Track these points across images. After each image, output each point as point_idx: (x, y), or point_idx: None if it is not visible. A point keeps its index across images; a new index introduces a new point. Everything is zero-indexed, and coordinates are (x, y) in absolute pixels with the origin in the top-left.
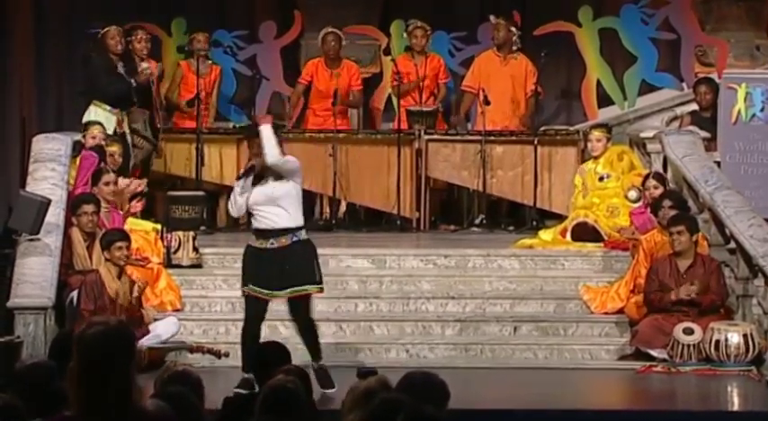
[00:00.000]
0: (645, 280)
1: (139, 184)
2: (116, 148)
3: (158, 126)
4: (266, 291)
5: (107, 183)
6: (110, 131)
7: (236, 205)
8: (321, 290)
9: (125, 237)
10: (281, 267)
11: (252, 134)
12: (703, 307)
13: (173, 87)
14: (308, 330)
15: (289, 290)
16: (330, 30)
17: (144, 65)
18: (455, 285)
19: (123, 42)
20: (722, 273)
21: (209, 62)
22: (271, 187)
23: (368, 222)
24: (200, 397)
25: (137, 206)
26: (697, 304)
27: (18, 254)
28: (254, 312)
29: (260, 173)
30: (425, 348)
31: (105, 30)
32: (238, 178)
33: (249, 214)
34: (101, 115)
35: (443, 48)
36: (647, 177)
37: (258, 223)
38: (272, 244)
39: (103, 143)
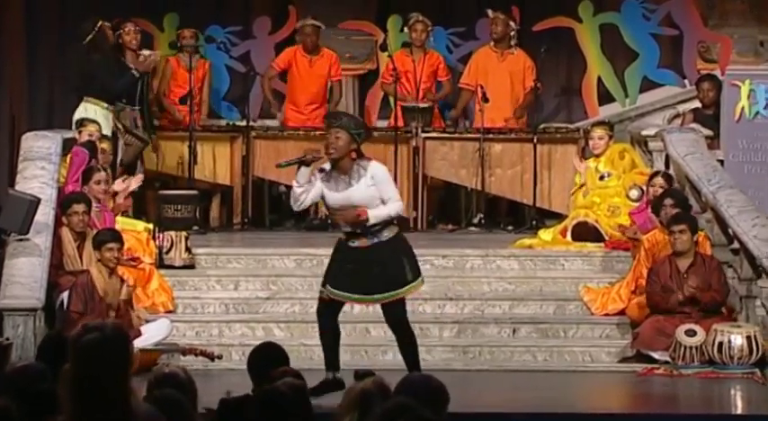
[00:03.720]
0: (646, 282)
1: (138, 180)
2: (107, 145)
3: (153, 122)
4: (345, 295)
5: (98, 182)
6: (107, 130)
7: (294, 201)
8: (414, 288)
9: (117, 237)
10: (365, 270)
11: (331, 124)
12: (704, 304)
13: (163, 83)
14: (399, 338)
15: (375, 296)
16: (309, 22)
17: (146, 52)
18: (453, 286)
19: (114, 36)
20: (723, 271)
21: (198, 57)
22: (347, 193)
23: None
24: (191, 398)
25: (125, 203)
26: (698, 301)
27: (7, 254)
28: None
29: (309, 162)
30: (423, 350)
31: (101, 24)
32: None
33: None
34: (97, 113)
35: (441, 44)
36: (653, 175)
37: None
38: (354, 243)
39: (96, 140)
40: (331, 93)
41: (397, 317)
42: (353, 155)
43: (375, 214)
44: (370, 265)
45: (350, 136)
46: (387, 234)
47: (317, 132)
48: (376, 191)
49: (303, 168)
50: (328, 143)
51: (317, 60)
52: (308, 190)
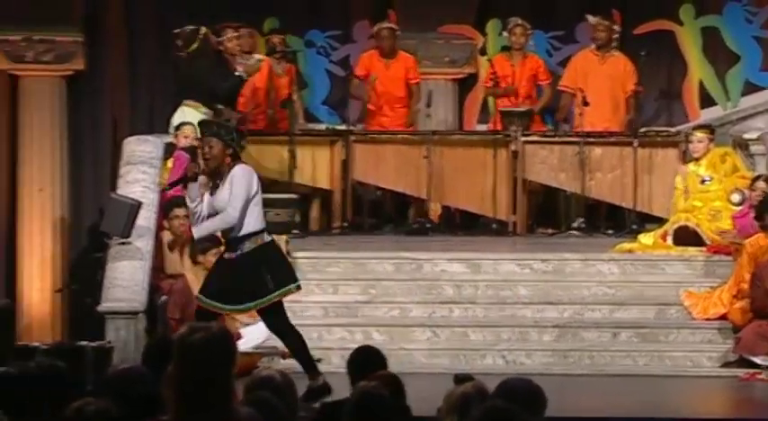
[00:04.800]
0: (749, 286)
1: None
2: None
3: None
4: (218, 306)
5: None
6: None
7: (192, 216)
8: (280, 295)
9: (218, 242)
10: (233, 281)
11: (203, 133)
12: None
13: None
14: (285, 344)
15: (240, 307)
16: (385, 25)
17: (257, 56)
18: (553, 290)
19: (216, 42)
20: None
21: (285, 62)
22: (213, 197)
23: (463, 226)
24: (288, 402)
25: None
26: None
27: (109, 257)
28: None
29: (195, 177)
30: (522, 354)
31: (204, 32)
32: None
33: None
34: (194, 116)
35: (541, 47)
36: (756, 179)
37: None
38: (226, 255)
39: (195, 143)
40: (411, 95)
41: (273, 327)
42: (228, 160)
43: (199, 230)
44: (235, 277)
45: (222, 143)
46: (249, 245)
47: (416, 136)
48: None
49: (191, 184)
50: (203, 153)
51: (394, 64)
52: (200, 203)
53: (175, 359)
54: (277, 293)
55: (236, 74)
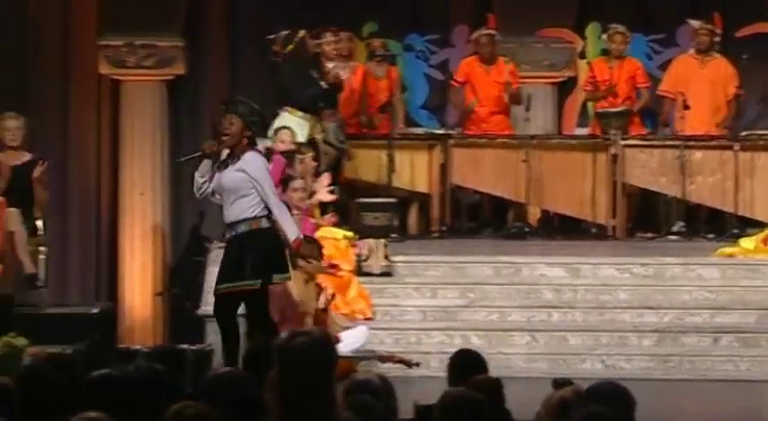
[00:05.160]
0: None
1: (329, 196)
2: (308, 154)
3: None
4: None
5: (295, 190)
6: (302, 138)
7: (197, 189)
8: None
9: (319, 246)
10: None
11: (228, 110)
12: None
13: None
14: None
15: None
16: (484, 32)
17: (339, 67)
18: (653, 295)
19: (313, 46)
20: None
21: (386, 65)
22: (220, 175)
23: (562, 230)
24: (387, 405)
25: (330, 220)
26: None
27: (209, 261)
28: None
29: (210, 155)
30: (622, 359)
31: (302, 34)
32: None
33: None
34: (292, 121)
35: (640, 51)
36: None
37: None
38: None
39: (293, 148)
40: (511, 99)
41: (246, 315)
42: (245, 142)
43: (290, 232)
44: (225, 258)
45: (243, 123)
46: (243, 228)
47: (515, 140)
48: (245, 177)
49: (205, 161)
50: (222, 129)
51: (494, 69)
52: (208, 179)
53: (277, 364)
54: (249, 283)
55: (320, 84)
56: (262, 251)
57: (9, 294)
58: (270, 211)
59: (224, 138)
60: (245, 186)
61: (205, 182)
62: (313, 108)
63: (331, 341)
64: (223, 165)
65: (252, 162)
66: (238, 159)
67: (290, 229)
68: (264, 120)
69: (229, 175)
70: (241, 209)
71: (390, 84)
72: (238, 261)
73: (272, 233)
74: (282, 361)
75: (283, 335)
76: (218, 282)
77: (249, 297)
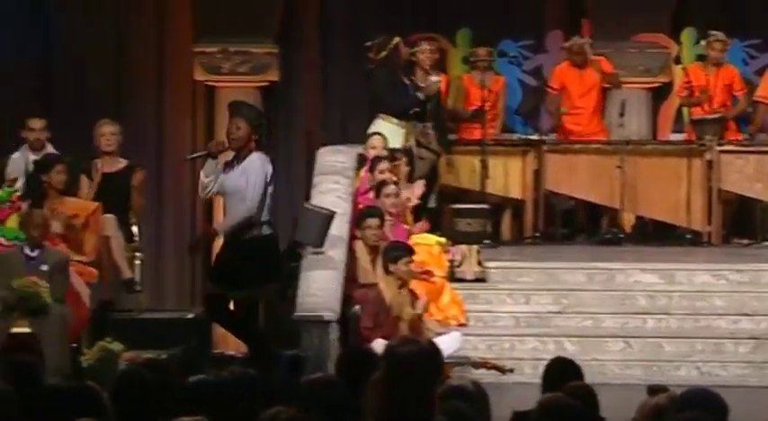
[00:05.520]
0: None
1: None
2: (402, 160)
3: (447, 137)
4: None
5: (388, 195)
6: (395, 144)
7: (202, 189)
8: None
9: (409, 251)
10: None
11: (233, 114)
12: None
13: (458, 101)
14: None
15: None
16: (578, 41)
17: (434, 78)
18: (749, 301)
19: (408, 54)
20: None
21: (492, 73)
22: (224, 178)
23: (656, 236)
24: (480, 411)
25: (422, 227)
26: None
27: (303, 267)
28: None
29: (216, 155)
30: (717, 366)
31: (397, 41)
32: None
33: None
34: (386, 128)
35: (737, 56)
36: None
37: None
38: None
39: (384, 153)
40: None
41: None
42: (252, 145)
43: (221, 226)
44: (222, 258)
45: (250, 126)
46: (244, 232)
47: (609, 146)
48: (246, 182)
49: (210, 160)
50: (229, 133)
51: (587, 73)
52: (214, 179)
53: (384, 368)
54: (236, 293)
55: (416, 94)
56: (257, 260)
57: (109, 299)
58: (270, 217)
59: (231, 141)
60: (243, 192)
61: (210, 181)
62: (405, 116)
63: (439, 352)
64: (228, 167)
65: (252, 162)
66: (243, 162)
67: (223, 223)
68: (269, 126)
69: (232, 178)
70: (230, 213)
71: (494, 92)
72: (234, 267)
73: (272, 240)
74: (390, 367)
75: (391, 342)
76: (210, 280)
77: (239, 300)
